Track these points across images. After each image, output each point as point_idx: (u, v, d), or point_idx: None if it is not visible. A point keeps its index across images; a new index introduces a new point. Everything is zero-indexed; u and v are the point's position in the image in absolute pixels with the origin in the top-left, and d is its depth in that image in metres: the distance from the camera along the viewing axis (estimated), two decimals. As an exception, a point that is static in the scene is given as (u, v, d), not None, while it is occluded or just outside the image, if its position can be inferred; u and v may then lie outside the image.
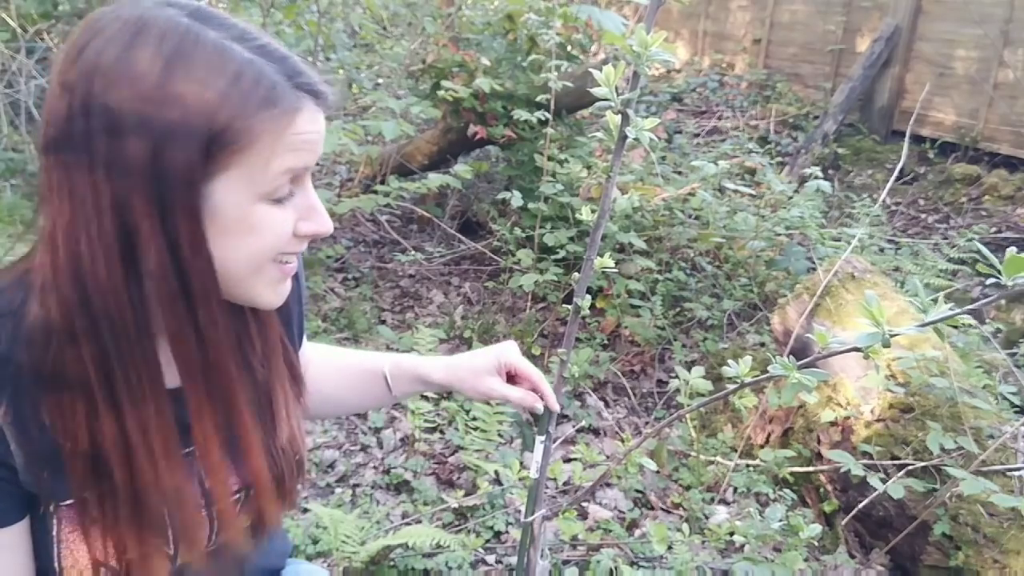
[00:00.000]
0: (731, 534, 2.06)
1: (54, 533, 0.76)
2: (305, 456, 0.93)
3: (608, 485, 2.44)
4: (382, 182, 3.58)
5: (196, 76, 0.64)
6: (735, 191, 3.54)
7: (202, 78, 0.64)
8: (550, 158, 3.30)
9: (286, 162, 0.69)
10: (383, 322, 3.45)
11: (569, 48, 3.83)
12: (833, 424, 2.32)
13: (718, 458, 2.53)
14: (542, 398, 1.06)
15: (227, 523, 0.86)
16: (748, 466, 2.48)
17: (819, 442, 2.37)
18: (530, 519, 1.08)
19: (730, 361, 0.88)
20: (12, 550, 0.76)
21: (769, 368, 0.81)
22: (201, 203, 0.67)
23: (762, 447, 2.49)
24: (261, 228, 0.71)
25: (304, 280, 1.01)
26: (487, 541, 2.16)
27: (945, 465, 1.96)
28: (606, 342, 3.25)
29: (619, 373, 3.08)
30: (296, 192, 0.74)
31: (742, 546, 2.02)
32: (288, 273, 0.77)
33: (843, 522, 2.20)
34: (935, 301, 0.74)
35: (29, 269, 0.71)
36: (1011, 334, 3.42)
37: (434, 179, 3.30)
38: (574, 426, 2.78)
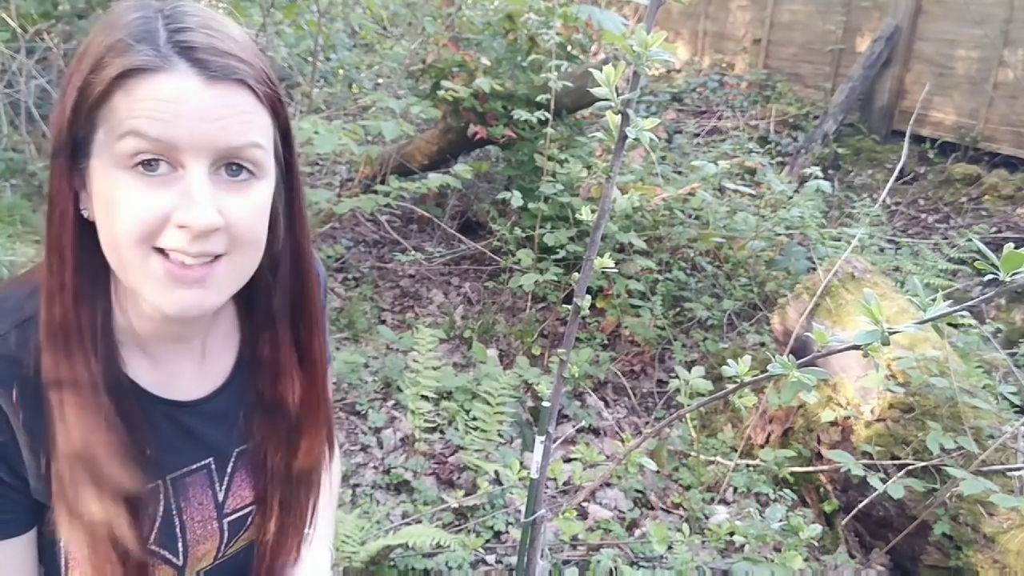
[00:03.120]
0: (731, 534, 2.06)
1: (61, 544, 0.76)
2: (319, 493, 0.92)
3: (608, 485, 2.44)
4: (382, 182, 3.58)
5: (94, 41, 0.66)
6: (735, 191, 3.54)
7: (94, 41, 0.66)
8: (550, 158, 3.30)
9: (132, 124, 0.63)
10: (383, 322, 3.45)
11: (569, 48, 3.83)
12: (833, 424, 2.32)
13: (718, 458, 2.53)
14: None
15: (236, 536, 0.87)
16: (748, 466, 2.48)
17: (819, 442, 2.37)
18: (530, 519, 1.08)
19: (730, 361, 0.88)
20: (19, 561, 0.76)
21: (769, 367, 0.81)
22: (83, 167, 0.67)
23: (762, 447, 2.49)
24: (120, 201, 0.64)
25: (327, 309, 0.97)
26: (487, 541, 2.16)
27: (945, 465, 1.96)
28: (606, 342, 3.25)
29: (619, 373, 3.08)
30: (181, 176, 0.65)
31: (742, 546, 2.02)
32: (181, 276, 0.66)
33: (843, 522, 2.20)
34: (934, 300, 0.74)
35: None
36: (1011, 334, 3.42)
37: (434, 179, 3.30)
38: (574, 426, 2.78)
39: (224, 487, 0.85)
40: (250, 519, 0.87)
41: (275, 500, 0.86)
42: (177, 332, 0.79)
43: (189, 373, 0.81)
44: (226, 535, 0.85)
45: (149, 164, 0.64)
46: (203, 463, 0.83)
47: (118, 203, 0.64)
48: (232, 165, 0.67)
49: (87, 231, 0.69)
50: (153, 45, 0.63)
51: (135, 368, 0.76)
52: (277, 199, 0.75)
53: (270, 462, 0.85)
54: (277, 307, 0.79)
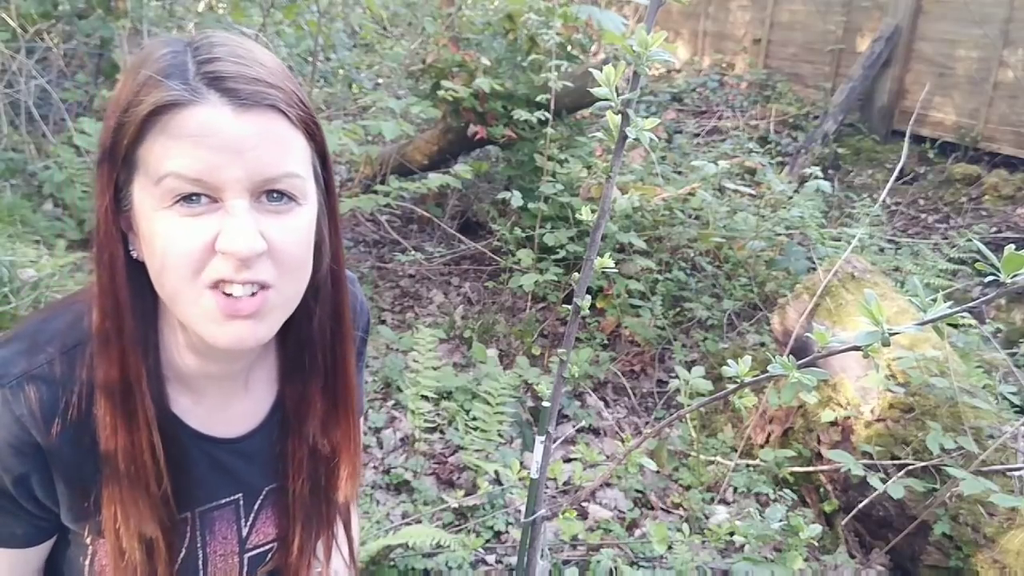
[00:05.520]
0: (731, 534, 2.06)
1: (87, 563, 0.76)
2: (351, 523, 0.92)
3: (608, 485, 2.44)
4: (382, 182, 3.58)
5: (124, 82, 0.66)
6: (735, 191, 3.54)
7: (123, 82, 0.66)
8: (550, 158, 3.30)
9: (170, 166, 0.62)
10: (383, 322, 3.45)
11: (569, 48, 3.83)
12: (833, 424, 2.32)
13: (718, 458, 2.53)
14: None
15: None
16: (748, 466, 2.48)
17: (819, 442, 2.37)
18: (530, 519, 1.08)
19: (730, 361, 0.88)
20: (21, 570, 0.77)
21: (769, 368, 0.81)
22: (127, 210, 0.67)
23: (762, 447, 2.50)
24: (165, 239, 0.64)
25: (366, 347, 0.95)
26: (487, 541, 2.16)
27: (945, 465, 1.96)
28: (606, 342, 3.25)
29: (619, 373, 3.08)
30: (221, 207, 0.64)
31: (742, 546, 2.03)
32: (235, 311, 0.65)
33: (843, 522, 2.20)
34: (935, 301, 0.74)
35: None
36: (1011, 334, 3.42)
37: (434, 179, 3.30)
38: (574, 426, 2.78)
39: (249, 523, 0.84)
40: (270, 555, 0.87)
41: (297, 536, 0.85)
42: (223, 369, 0.78)
43: (230, 410, 0.81)
44: (245, 569, 0.85)
45: (189, 199, 0.63)
46: (232, 498, 0.83)
47: (163, 241, 0.64)
48: (272, 193, 0.66)
49: (137, 271, 0.69)
50: (182, 79, 0.63)
51: (177, 403, 0.76)
52: (321, 222, 0.74)
53: (294, 497, 0.84)
54: (314, 334, 0.78)
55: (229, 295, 0.65)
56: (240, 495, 0.83)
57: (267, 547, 0.87)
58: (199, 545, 0.80)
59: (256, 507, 0.85)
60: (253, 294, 0.66)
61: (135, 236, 0.68)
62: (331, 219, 0.76)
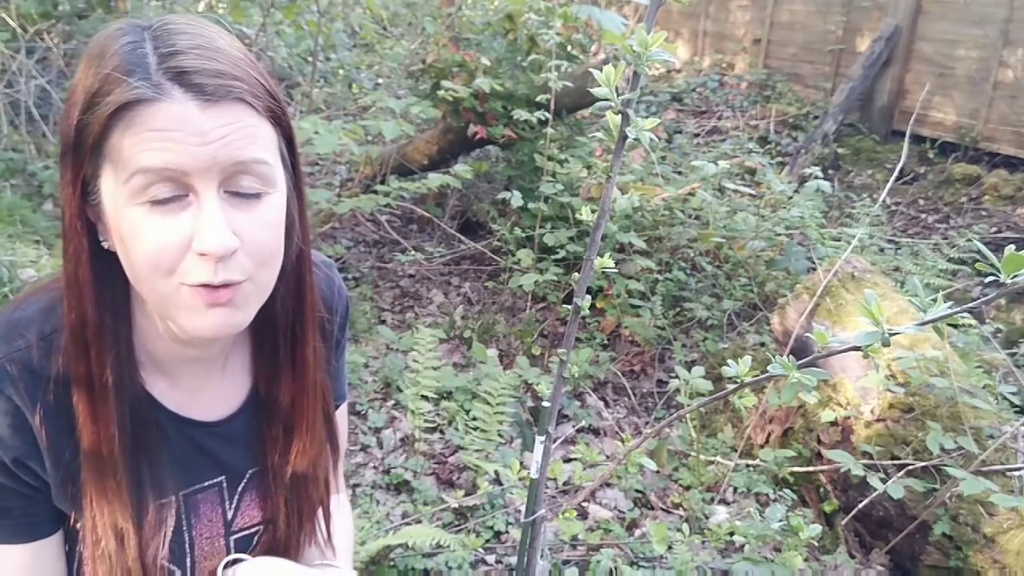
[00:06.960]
0: (731, 534, 2.06)
1: (78, 548, 0.77)
2: (329, 504, 0.91)
3: (608, 485, 2.44)
4: (382, 182, 3.58)
5: (85, 73, 0.65)
6: (735, 191, 3.54)
7: (85, 73, 0.65)
8: (550, 158, 3.30)
9: (137, 163, 0.62)
10: (383, 322, 3.45)
11: (569, 48, 3.83)
12: (833, 424, 2.32)
13: (718, 458, 2.53)
14: None
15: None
16: (748, 466, 2.48)
17: (819, 442, 2.37)
18: (530, 519, 1.08)
19: (730, 361, 0.88)
20: (51, 561, 0.77)
21: (769, 368, 0.81)
22: (96, 203, 0.67)
23: (762, 447, 2.50)
24: (138, 236, 0.64)
25: (347, 332, 0.96)
26: (487, 541, 2.16)
27: (945, 465, 1.97)
28: (606, 342, 3.25)
29: (619, 373, 3.08)
30: (192, 200, 0.65)
31: (742, 546, 2.03)
32: (213, 299, 0.66)
33: (843, 522, 2.20)
34: (935, 301, 0.74)
35: None
36: (1011, 334, 3.42)
37: (434, 179, 3.30)
38: (574, 426, 2.78)
39: (234, 505, 0.85)
40: (257, 538, 0.88)
41: (282, 517, 0.86)
42: (199, 354, 0.79)
43: (209, 393, 0.81)
44: (232, 552, 0.86)
45: (159, 194, 0.63)
46: (215, 480, 0.83)
47: (136, 239, 0.64)
48: (242, 181, 0.66)
49: (107, 261, 0.69)
50: (144, 75, 0.62)
51: (155, 387, 0.77)
52: (291, 205, 0.74)
53: (275, 477, 0.85)
54: (276, 312, 0.79)
55: (207, 285, 0.65)
56: (223, 477, 0.83)
57: (253, 530, 0.87)
58: (184, 528, 0.81)
59: (240, 490, 0.85)
60: (228, 285, 0.66)
61: (104, 228, 0.68)
62: (299, 201, 0.77)
